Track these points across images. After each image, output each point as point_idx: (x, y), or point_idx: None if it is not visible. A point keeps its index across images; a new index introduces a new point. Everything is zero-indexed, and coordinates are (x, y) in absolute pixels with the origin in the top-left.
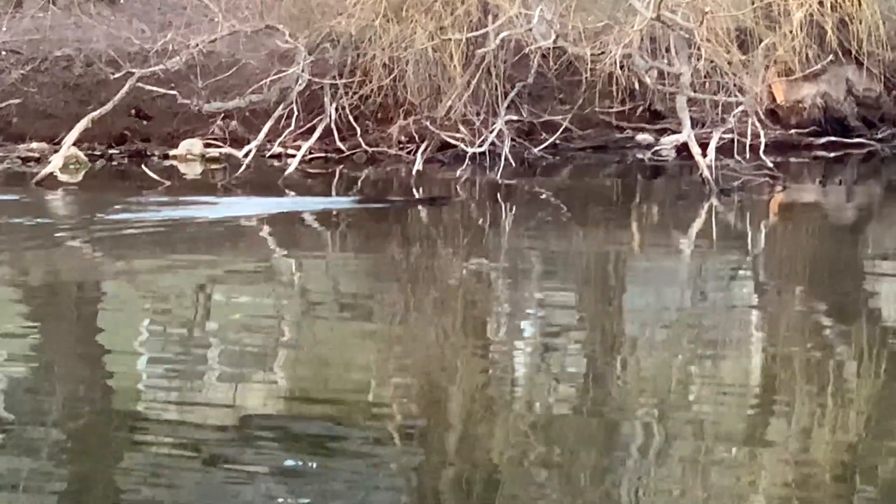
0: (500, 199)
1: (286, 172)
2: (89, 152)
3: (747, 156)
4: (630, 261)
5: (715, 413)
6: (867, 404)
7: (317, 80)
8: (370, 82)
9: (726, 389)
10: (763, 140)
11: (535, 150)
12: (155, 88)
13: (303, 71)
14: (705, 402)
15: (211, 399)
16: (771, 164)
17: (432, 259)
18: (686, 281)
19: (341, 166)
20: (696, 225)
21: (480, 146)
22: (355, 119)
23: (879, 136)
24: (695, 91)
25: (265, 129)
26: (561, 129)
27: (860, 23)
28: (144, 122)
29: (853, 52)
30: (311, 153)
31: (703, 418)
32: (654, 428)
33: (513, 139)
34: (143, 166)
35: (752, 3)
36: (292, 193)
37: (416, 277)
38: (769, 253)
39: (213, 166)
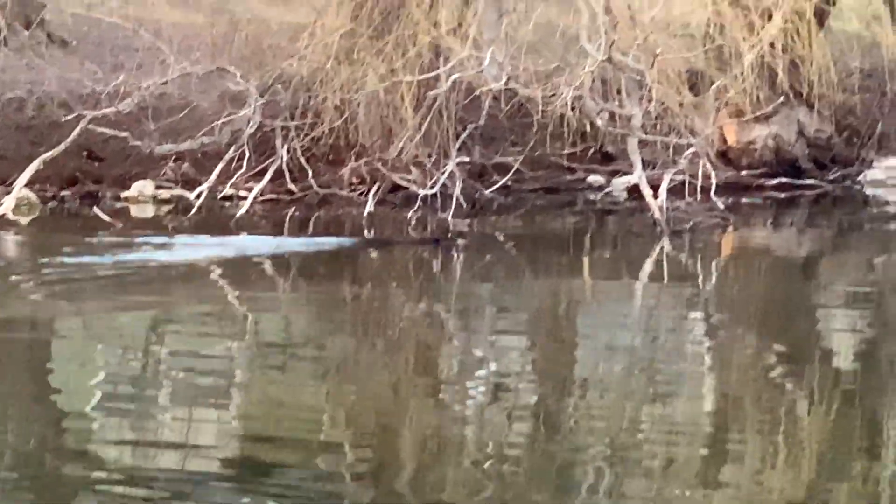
0: (503, 240)
1: (238, 214)
2: (41, 194)
3: (698, 197)
4: (582, 301)
5: (667, 453)
6: (819, 444)
7: (268, 121)
8: (322, 124)
9: (678, 430)
10: (714, 181)
11: (487, 192)
12: (107, 130)
13: (254, 113)
14: (657, 442)
15: (163, 439)
16: (722, 206)
17: (385, 300)
18: (638, 321)
19: (293, 208)
20: (648, 266)
21: (432, 188)
22: (307, 161)
23: (830, 177)
24: (646, 133)
25: (217, 170)
26: (512, 171)
27: (811, 65)
28: (96, 164)
29: (804, 93)
30: (262, 195)
31: (655, 459)
32: (606, 469)
33: (464, 181)
34: (94, 208)
35: (704, 45)
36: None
37: (367, 318)
38: (720, 294)
39: (165, 208)
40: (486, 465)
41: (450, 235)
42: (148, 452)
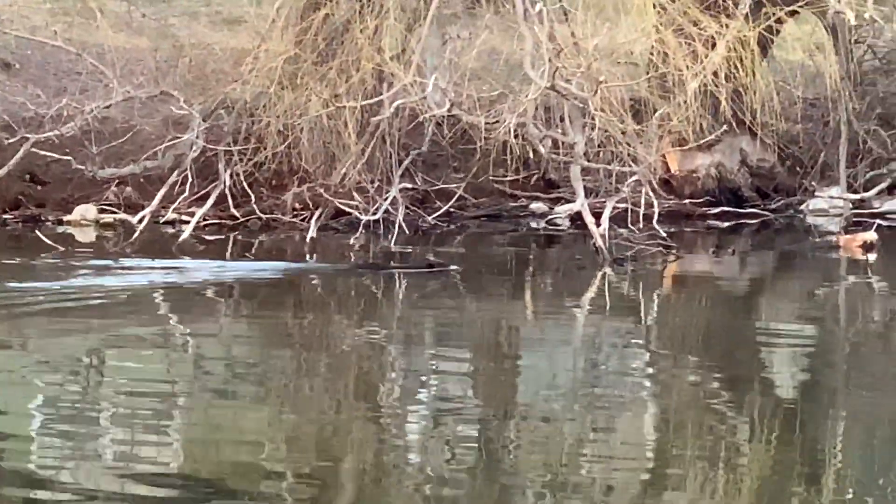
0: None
1: (180, 239)
2: None
3: (641, 225)
4: (523, 330)
5: (606, 482)
6: (760, 473)
7: (211, 146)
8: (265, 149)
9: (618, 459)
10: (657, 210)
11: (430, 219)
12: (50, 154)
13: (197, 137)
14: (597, 471)
15: (102, 464)
16: (664, 234)
17: (327, 326)
18: (578, 350)
19: (235, 233)
20: (589, 294)
21: (374, 214)
22: (249, 186)
23: (773, 206)
24: (589, 160)
25: (159, 195)
26: (455, 198)
27: (754, 94)
28: (39, 188)
29: (747, 122)
30: (205, 219)
31: (595, 488)
32: (546, 498)
33: (407, 207)
34: (36, 231)
35: (647, 74)
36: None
37: (308, 344)
38: (662, 322)
39: (107, 232)
40: (426, 493)
41: (442, 262)
42: (88, 476)
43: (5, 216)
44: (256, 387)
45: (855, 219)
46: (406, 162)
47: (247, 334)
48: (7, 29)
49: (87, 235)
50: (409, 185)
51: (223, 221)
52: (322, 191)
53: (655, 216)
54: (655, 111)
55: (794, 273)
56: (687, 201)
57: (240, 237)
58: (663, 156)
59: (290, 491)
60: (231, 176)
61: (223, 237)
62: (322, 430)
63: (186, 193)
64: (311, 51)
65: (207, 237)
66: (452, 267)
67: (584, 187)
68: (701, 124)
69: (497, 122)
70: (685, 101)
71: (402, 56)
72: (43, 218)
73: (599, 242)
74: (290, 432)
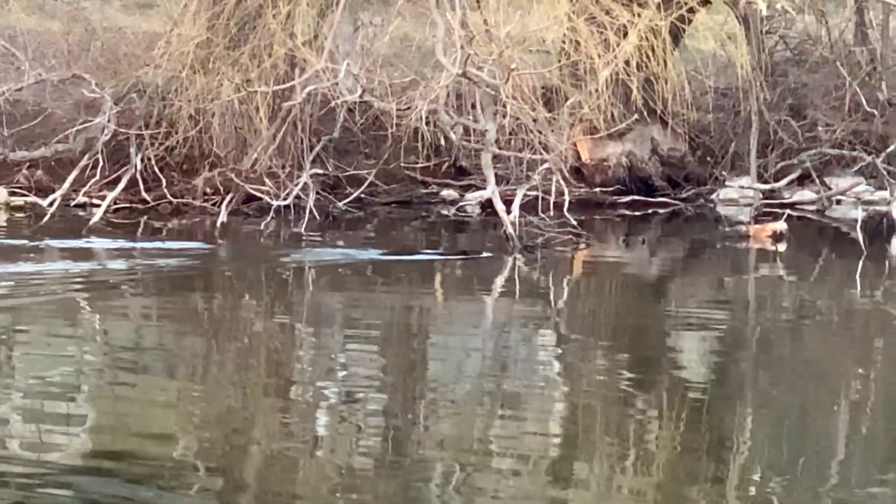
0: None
1: (91, 222)
2: None
3: (551, 213)
4: (432, 314)
5: (514, 463)
6: (668, 455)
7: (123, 130)
8: (176, 133)
9: (527, 439)
10: (567, 198)
11: (340, 204)
12: None
13: (109, 121)
14: (505, 452)
15: (10, 455)
16: (575, 222)
17: (237, 311)
18: (487, 334)
19: (146, 217)
20: (499, 281)
21: (285, 199)
22: (161, 170)
23: (683, 195)
24: (500, 148)
25: (70, 178)
26: (366, 184)
27: (665, 83)
28: None
29: (658, 111)
30: (116, 203)
31: (502, 476)
32: (454, 485)
33: (318, 193)
34: None
35: (559, 62)
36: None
37: (218, 332)
38: (571, 308)
39: (18, 215)
40: (334, 483)
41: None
42: None
43: None
44: (167, 376)
45: (765, 209)
46: (317, 148)
47: (160, 322)
48: None
49: None
50: (321, 171)
51: (134, 205)
52: (233, 176)
53: (566, 204)
54: (567, 99)
55: (703, 262)
56: (597, 190)
57: (150, 221)
58: (574, 144)
59: (197, 484)
60: (142, 160)
61: (134, 221)
62: (230, 420)
63: (97, 177)
64: (223, 35)
65: (118, 220)
66: (485, 254)
67: (495, 175)
68: (612, 113)
69: (409, 108)
70: (597, 90)
71: (314, 42)
72: None
73: (510, 229)
74: (199, 423)
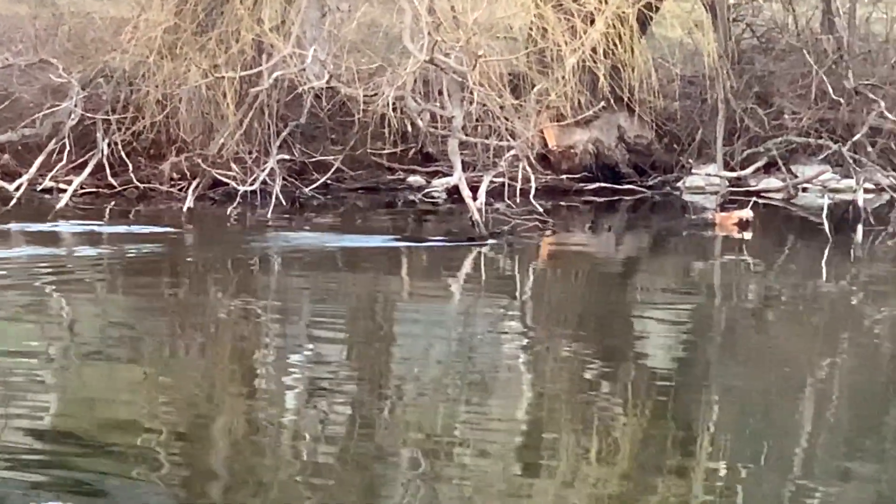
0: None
1: (57, 207)
2: None
3: (518, 200)
4: (398, 304)
5: (480, 450)
6: (633, 442)
7: (90, 115)
8: (143, 118)
9: (493, 427)
10: (534, 185)
11: (307, 190)
12: None
13: (76, 106)
14: (471, 440)
15: None
16: (541, 209)
17: (202, 296)
18: (453, 322)
19: (112, 202)
20: (466, 268)
21: (252, 184)
22: (127, 155)
23: (650, 182)
24: (467, 134)
25: (37, 163)
26: (333, 170)
27: (632, 70)
28: None
29: (625, 99)
30: (82, 188)
31: (467, 471)
32: (420, 474)
33: (284, 178)
34: None
35: (526, 49)
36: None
37: (184, 317)
38: (537, 296)
39: None
40: (301, 470)
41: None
42: None
43: None
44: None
45: (731, 197)
46: (284, 133)
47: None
48: None
49: None
50: (287, 157)
51: (100, 190)
52: (200, 161)
53: (532, 191)
54: (534, 86)
55: (669, 249)
56: (564, 177)
57: (117, 206)
58: (541, 131)
59: (162, 468)
60: (109, 145)
61: (100, 206)
62: (196, 405)
63: (64, 162)
64: (190, 21)
65: (85, 205)
66: (490, 241)
67: (462, 161)
68: (579, 100)
69: (375, 94)
70: (563, 77)
71: (281, 27)
72: None
73: (476, 216)
74: (164, 408)
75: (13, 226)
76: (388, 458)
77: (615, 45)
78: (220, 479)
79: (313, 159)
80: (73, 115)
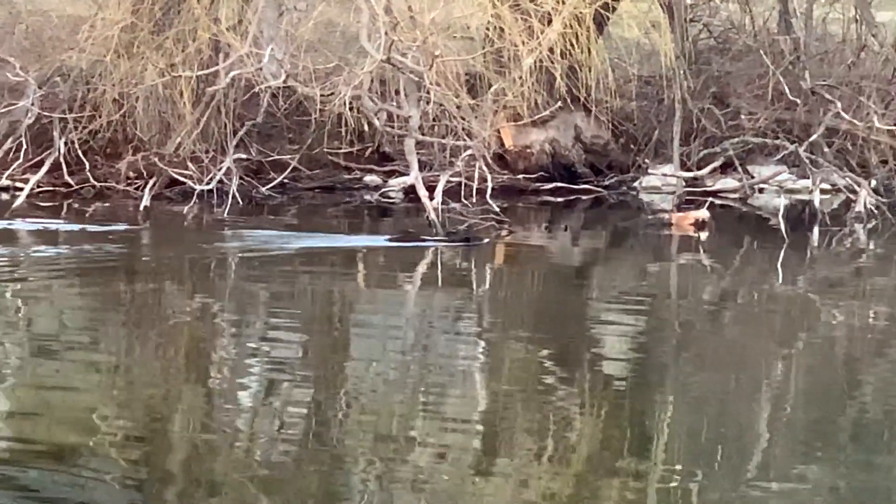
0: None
1: (14, 205)
2: None
3: (474, 199)
4: (355, 301)
5: (437, 449)
6: (588, 444)
7: (47, 113)
8: (100, 117)
9: (449, 426)
10: (490, 184)
11: (264, 189)
12: None
13: (32, 104)
14: (427, 439)
15: None
16: (498, 209)
17: (159, 296)
18: (409, 321)
19: (69, 200)
20: (421, 267)
21: (208, 184)
22: (84, 153)
23: (606, 182)
24: (424, 134)
25: None
26: (289, 169)
27: (589, 70)
28: None
29: (582, 99)
30: (39, 186)
31: (423, 466)
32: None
33: (241, 177)
34: None
35: (483, 48)
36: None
37: (140, 315)
38: (492, 297)
39: None
40: (256, 471)
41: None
42: None
43: None
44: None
45: (687, 197)
46: (241, 133)
47: (80, 304)
48: None
49: None
50: (244, 156)
51: (57, 188)
52: (156, 160)
53: (489, 191)
54: (490, 86)
55: (626, 249)
56: (521, 176)
57: (73, 204)
58: (498, 131)
59: (117, 471)
60: (66, 143)
61: (57, 204)
62: (152, 406)
63: (21, 160)
64: (147, 20)
65: (41, 204)
66: (485, 240)
67: (419, 161)
68: (536, 100)
69: (332, 94)
70: (521, 77)
71: (238, 27)
72: None
73: (432, 216)
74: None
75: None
76: (344, 461)
77: (572, 45)
78: (176, 480)
79: (270, 158)
80: (29, 114)
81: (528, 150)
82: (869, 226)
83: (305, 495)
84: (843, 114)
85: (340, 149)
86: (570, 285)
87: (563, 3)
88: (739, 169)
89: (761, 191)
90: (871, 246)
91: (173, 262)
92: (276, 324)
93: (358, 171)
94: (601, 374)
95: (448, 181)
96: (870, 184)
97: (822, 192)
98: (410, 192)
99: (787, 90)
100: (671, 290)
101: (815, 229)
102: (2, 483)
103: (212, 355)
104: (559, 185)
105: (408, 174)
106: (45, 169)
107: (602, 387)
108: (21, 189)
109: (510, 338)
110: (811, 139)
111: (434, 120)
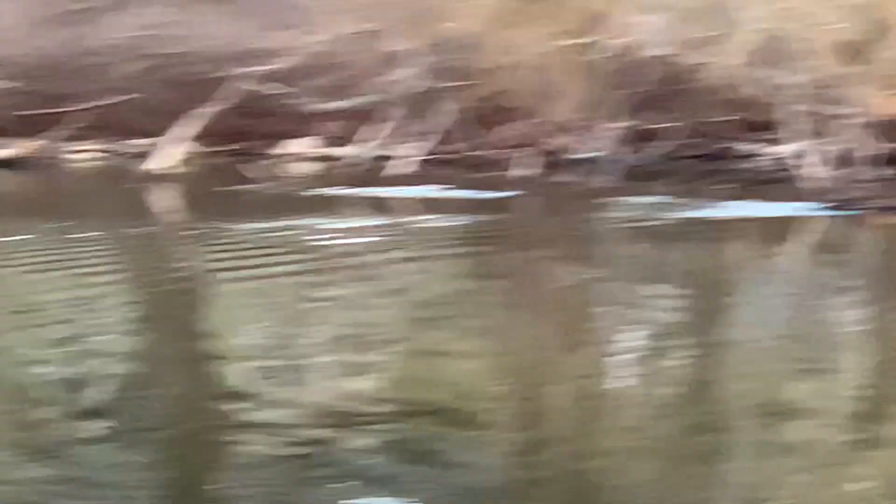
0: None
1: (400, 173)
2: (201, 150)
3: (859, 169)
4: (736, 275)
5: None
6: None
7: (429, 83)
8: (482, 86)
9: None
10: (874, 153)
11: (643, 156)
12: (260, 89)
13: (415, 74)
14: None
15: (308, 402)
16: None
17: (547, 265)
18: (794, 294)
19: (449, 169)
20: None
21: (591, 152)
22: (464, 122)
23: None
24: (804, 102)
25: (380, 129)
26: (670, 138)
27: None
28: (252, 122)
29: None
30: (424, 155)
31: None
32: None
33: (625, 145)
34: (259, 162)
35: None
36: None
37: (534, 283)
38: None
39: (318, 167)
40: (643, 439)
41: None
42: None
43: (219, 148)
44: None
45: None
46: (621, 101)
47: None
48: None
49: (301, 169)
50: (626, 124)
51: (436, 157)
52: (537, 128)
53: (874, 160)
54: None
55: None
56: None
57: (454, 174)
58: (883, 99)
59: (501, 414)
60: (448, 112)
61: (436, 172)
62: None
63: (403, 128)
64: None
65: (422, 173)
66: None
67: (800, 129)
68: None
69: (712, 62)
70: None
71: None
72: (255, 151)
73: (814, 184)
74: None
75: (359, 191)
76: (728, 427)
77: None
78: (558, 444)
79: (648, 127)
80: (411, 84)
81: None
82: None
83: (684, 466)
84: None
85: (719, 118)
86: None
87: None
88: None
89: None
90: None
91: (558, 230)
92: (667, 292)
93: (737, 139)
94: None
95: (830, 149)
96: None
97: None
98: (788, 160)
99: None
100: None
101: None
102: (396, 444)
103: (602, 322)
104: None
105: (787, 143)
106: (428, 138)
107: None
108: (403, 157)
109: None
110: None
111: (816, 88)
